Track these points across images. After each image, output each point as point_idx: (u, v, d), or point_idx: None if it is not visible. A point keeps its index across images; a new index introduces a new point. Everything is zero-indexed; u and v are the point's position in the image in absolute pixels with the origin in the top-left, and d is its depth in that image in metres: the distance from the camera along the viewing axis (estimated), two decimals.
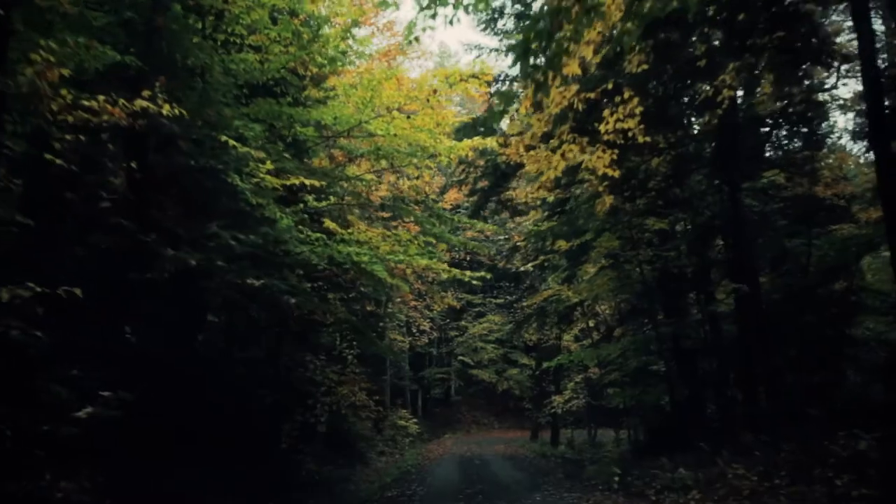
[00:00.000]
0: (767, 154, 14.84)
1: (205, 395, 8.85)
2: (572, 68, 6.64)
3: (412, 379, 34.51)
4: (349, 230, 9.70)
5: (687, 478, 9.45)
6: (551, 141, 7.08)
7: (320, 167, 11.18)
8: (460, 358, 37.67)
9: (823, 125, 17.21)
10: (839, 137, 23.03)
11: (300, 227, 8.83)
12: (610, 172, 7.42)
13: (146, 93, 6.58)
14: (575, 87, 6.75)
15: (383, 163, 12.47)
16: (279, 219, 8.38)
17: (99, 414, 5.16)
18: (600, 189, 7.39)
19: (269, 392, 10.27)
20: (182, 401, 8.14)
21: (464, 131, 20.57)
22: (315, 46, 10.70)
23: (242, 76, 9.95)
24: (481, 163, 19.74)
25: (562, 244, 14.15)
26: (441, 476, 16.36)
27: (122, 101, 6.16)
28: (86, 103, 5.95)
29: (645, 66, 7.02)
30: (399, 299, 26.98)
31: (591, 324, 23.68)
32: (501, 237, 25.57)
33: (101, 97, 6.17)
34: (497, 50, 19.93)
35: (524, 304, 18.67)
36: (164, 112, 6.52)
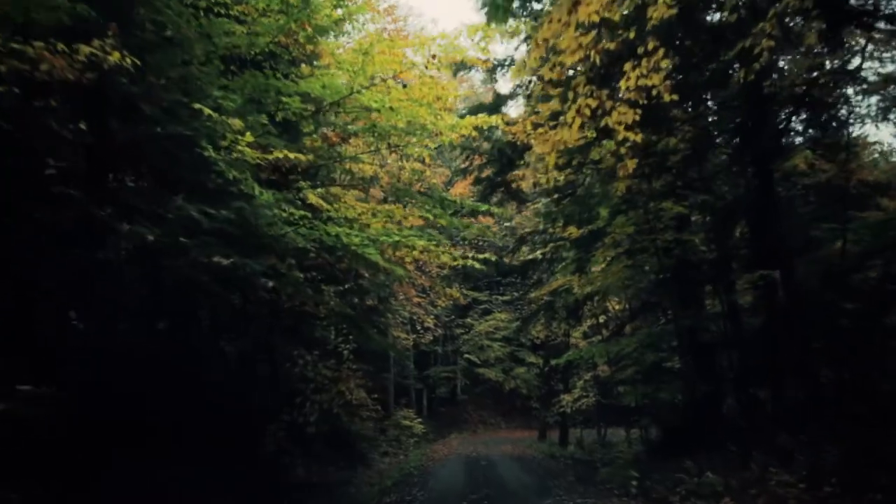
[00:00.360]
0: (785, 141, 13.81)
1: (179, 391, 7.99)
2: (591, 9, 5.71)
3: (417, 378, 33.67)
4: (335, 205, 8.72)
5: (716, 483, 8.47)
6: (568, 94, 6.15)
7: (311, 146, 10.25)
8: (466, 356, 36.80)
9: (844, 108, 16.25)
10: (862, 123, 21.93)
11: (282, 204, 7.89)
12: (632, 136, 6.50)
13: (96, 42, 5.69)
14: (593, 34, 5.84)
15: (381, 144, 11.55)
16: (258, 194, 7.46)
17: (13, 411, 4.26)
18: (622, 151, 6.46)
19: (256, 389, 9.39)
20: (151, 396, 7.28)
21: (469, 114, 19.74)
22: (304, 14, 9.81)
23: (225, 45, 9.08)
24: (486, 145, 18.82)
25: (572, 231, 13.21)
26: (444, 479, 15.43)
27: (60, 45, 5.26)
28: (16, 47, 5.07)
29: (672, 12, 6.08)
30: (402, 295, 26.12)
31: (601, 320, 22.79)
32: (508, 223, 24.67)
33: (39, 44, 5.29)
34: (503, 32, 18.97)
35: (532, 295, 17.72)
36: (113, 59, 5.61)
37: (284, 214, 7.89)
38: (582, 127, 6.37)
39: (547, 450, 22.87)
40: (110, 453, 6.71)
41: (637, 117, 6.33)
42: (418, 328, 29.92)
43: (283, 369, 10.19)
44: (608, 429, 24.64)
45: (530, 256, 18.27)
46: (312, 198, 8.31)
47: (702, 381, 14.01)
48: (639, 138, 6.61)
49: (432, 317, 29.32)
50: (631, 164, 6.73)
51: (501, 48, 69.43)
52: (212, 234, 6.75)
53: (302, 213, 8.00)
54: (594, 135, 12.19)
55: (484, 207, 11.45)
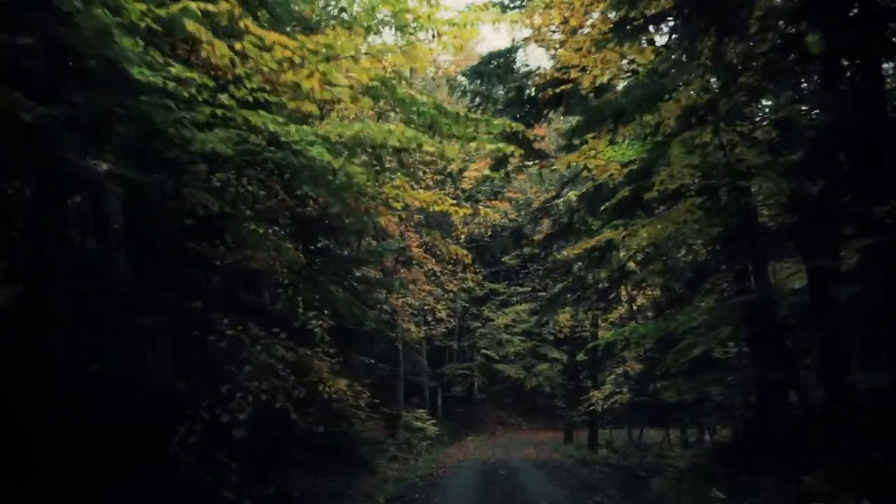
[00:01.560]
0: None
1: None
2: None
3: (430, 375, 30.66)
4: (242, 43, 5.40)
5: None
6: None
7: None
8: (484, 352, 33.75)
9: None
10: None
11: (154, 54, 4.76)
12: None
13: None
14: None
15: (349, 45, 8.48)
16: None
17: None
18: None
19: (161, 371, 6.45)
20: None
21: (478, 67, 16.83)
22: None
23: None
24: (501, 92, 15.82)
25: (614, 168, 10.10)
26: (453, 493, 12.25)
27: None
28: None
29: None
30: (410, 281, 23.10)
31: (635, 307, 19.67)
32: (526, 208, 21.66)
33: None
34: None
35: (564, 254, 14.66)
36: None
37: (170, 86, 4.78)
38: None
39: (575, 453, 19.94)
40: None
41: None
42: (429, 319, 26.83)
43: (209, 345, 7.20)
44: (642, 429, 21.89)
45: (562, 199, 15.07)
46: (204, 38, 4.92)
47: (782, 368, 10.90)
48: None
49: (443, 304, 26.20)
50: None
51: None
52: None
53: (196, 76, 4.87)
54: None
55: (498, 121, 8.21)
